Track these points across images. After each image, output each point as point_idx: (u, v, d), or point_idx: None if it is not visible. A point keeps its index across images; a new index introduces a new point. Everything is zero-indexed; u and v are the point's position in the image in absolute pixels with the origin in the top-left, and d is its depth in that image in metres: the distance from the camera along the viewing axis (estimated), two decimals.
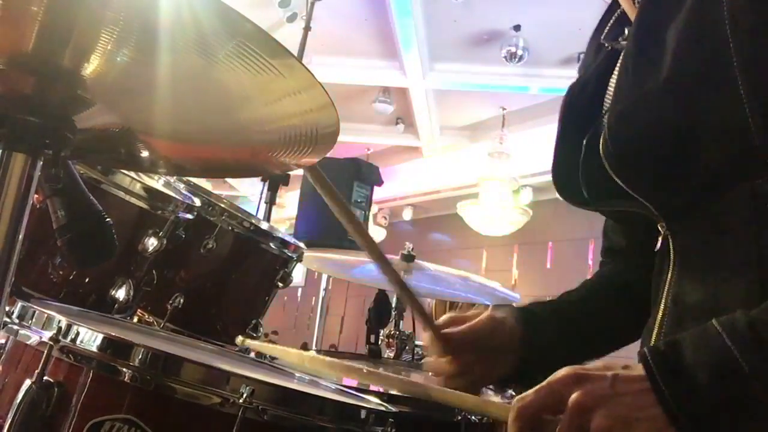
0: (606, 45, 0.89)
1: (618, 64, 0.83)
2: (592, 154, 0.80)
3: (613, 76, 0.85)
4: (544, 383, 0.62)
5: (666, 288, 0.77)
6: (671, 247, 0.78)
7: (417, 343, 2.48)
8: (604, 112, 0.84)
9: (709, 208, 0.72)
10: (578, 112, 0.90)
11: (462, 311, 3.03)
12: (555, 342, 0.95)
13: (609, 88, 0.86)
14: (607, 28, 0.91)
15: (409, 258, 1.86)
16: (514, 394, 1.55)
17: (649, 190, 0.76)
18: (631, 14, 0.83)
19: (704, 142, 0.68)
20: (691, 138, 0.69)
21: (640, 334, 0.86)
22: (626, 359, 0.67)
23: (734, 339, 0.57)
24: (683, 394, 0.57)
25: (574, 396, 0.59)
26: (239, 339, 1.21)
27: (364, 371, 0.93)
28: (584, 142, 0.82)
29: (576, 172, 0.85)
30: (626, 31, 0.86)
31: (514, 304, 0.99)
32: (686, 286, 0.75)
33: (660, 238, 0.81)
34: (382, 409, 0.96)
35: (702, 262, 0.73)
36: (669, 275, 0.77)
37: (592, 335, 1.00)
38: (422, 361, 2.40)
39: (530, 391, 0.63)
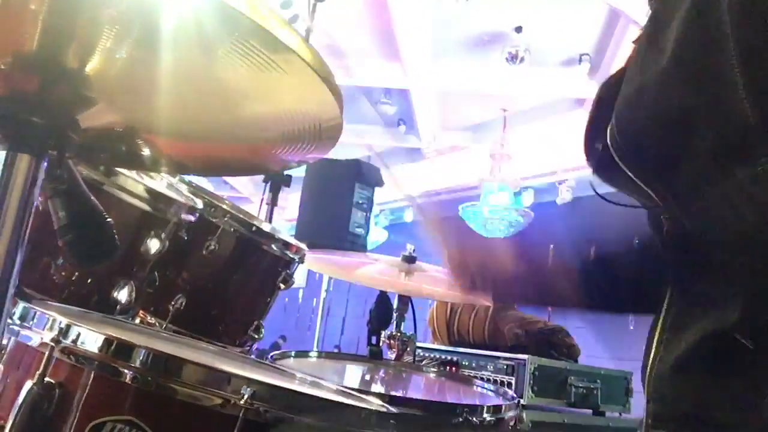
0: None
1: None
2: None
3: None
4: None
5: (671, 282, 0.78)
6: (672, 237, 0.78)
7: (418, 344, 2.47)
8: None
9: (707, 196, 0.72)
10: (605, 102, 0.91)
11: (463, 313, 3.03)
12: None
13: None
14: None
15: (410, 259, 1.85)
16: (514, 395, 1.55)
17: (649, 175, 0.77)
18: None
19: (701, 126, 0.70)
20: (688, 121, 0.70)
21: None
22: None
23: None
24: None
25: None
26: None
27: None
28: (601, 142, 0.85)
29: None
30: None
31: None
32: (688, 280, 0.75)
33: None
34: (384, 410, 0.96)
35: (703, 257, 0.74)
36: (672, 269, 0.78)
37: None
38: (423, 362, 2.38)
39: None
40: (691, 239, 0.76)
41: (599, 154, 0.87)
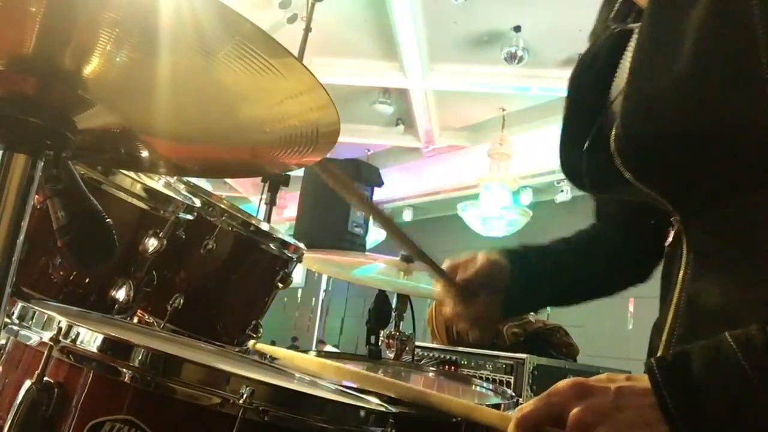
0: (614, 27, 0.84)
1: (630, 47, 0.79)
2: (598, 144, 0.77)
3: (623, 57, 0.82)
4: (544, 395, 0.61)
5: (678, 286, 0.73)
6: (685, 242, 0.74)
7: (417, 344, 2.48)
8: (612, 99, 0.80)
9: (731, 204, 0.68)
10: (587, 88, 0.87)
11: None
12: (536, 283, 1.03)
13: (618, 69, 0.82)
14: (617, 5, 0.86)
15: (408, 259, 1.86)
16: (513, 394, 1.55)
17: (663, 187, 0.73)
18: None
19: (726, 140, 0.64)
20: (711, 136, 0.65)
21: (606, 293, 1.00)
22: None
23: (749, 358, 0.54)
24: (692, 412, 0.55)
25: (575, 412, 0.57)
26: (251, 343, 1.23)
27: (362, 374, 0.95)
28: (590, 133, 0.80)
29: (582, 153, 0.83)
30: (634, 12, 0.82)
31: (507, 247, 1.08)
32: (702, 287, 0.71)
33: (672, 231, 0.78)
34: (382, 409, 0.96)
35: (721, 263, 0.69)
36: (682, 272, 0.73)
37: (570, 283, 1.08)
38: (421, 362, 2.38)
39: (530, 402, 0.61)
40: (706, 248, 0.72)
41: (585, 160, 0.82)
